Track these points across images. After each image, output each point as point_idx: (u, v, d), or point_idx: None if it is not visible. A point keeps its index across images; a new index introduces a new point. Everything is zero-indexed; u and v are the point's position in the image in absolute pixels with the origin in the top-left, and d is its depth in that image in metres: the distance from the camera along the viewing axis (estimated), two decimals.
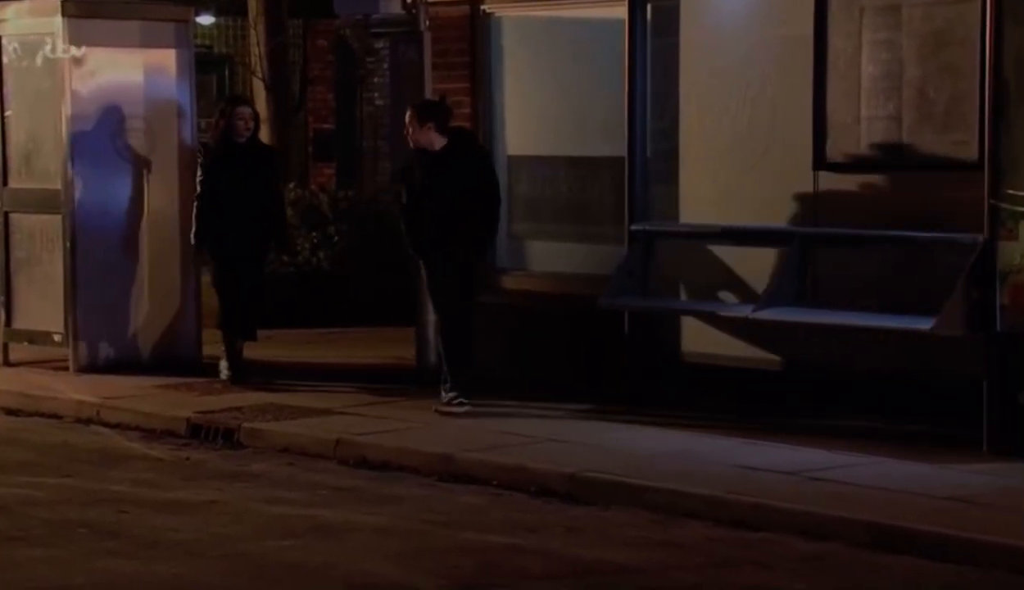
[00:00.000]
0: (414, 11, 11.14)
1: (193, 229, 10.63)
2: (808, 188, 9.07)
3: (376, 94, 17.13)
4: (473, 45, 11.37)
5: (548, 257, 11.22)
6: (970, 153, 8.35)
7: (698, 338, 9.44)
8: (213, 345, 12.08)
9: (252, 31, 15.13)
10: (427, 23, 11.08)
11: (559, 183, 11.03)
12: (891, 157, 8.79)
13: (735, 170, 9.35)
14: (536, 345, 10.77)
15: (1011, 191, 7.99)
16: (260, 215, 10.52)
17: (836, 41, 8.95)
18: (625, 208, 9.87)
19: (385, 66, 16.53)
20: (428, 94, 11.13)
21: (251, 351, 10.99)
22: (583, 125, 9.45)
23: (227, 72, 17.63)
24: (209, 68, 16.89)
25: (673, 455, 8.21)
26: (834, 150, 9.00)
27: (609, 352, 9.65)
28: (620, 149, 9.89)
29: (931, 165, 8.61)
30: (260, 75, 14.82)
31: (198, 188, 10.58)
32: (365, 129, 17.54)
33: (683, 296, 9.47)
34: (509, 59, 11.37)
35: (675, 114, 9.77)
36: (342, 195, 14.32)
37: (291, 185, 14.57)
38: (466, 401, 9.39)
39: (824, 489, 7.48)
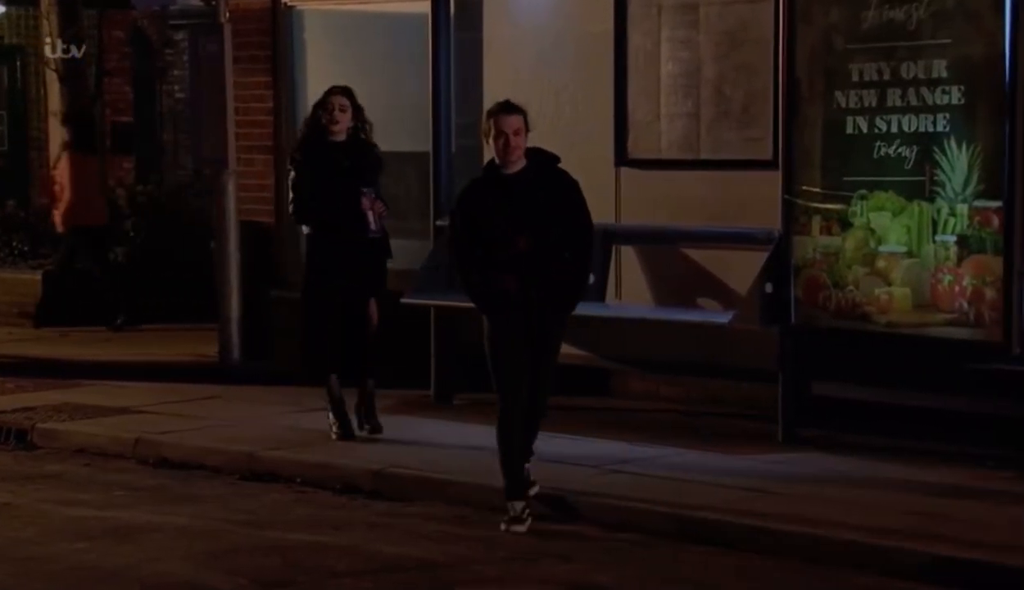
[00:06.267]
0: (213, 2, 10.97)
1: (304, 258, 8.59)
2: (610, 184, 9.18)
3: (176, 87, 16.84)
4: (274, 38, 11.25)
5: None
6: (765, 150, 8.54)
7: None
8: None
9: (44, 21, 14.72)
10: (227, 15, 10.94)
11: None
12: (690, 154, 8.95)
13: None
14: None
15: (805, 187, 8.20)
16: (362, 230, 8.42)
17: (636, 38, 9.07)
18: (430, 203, 9.86)
19: (185, 58, 16.25)
20: (229, 87, 10.99)
21: (44, 349, 10.70)
22: (387, 120, 9.39)
23: (19, 63, 17.11)
24: None
25: (477, 449, 8.22)
26: (635, 147, 9.13)
27: (415, 347, 9.63)
28: (425, 144, 9.88)
29: (728, 162, 8.78)
30: (53, 66, 14.43)
31: (290, 208, 8.60)
32: (165, 122, 17.23)
33: (461, 286, 9.50)
34: (312, 53, 11.27)
35: (480, 109, 9.78)
36: (140, 189, 14.05)
37: None
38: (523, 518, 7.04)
39: (625, 481, 7.58)
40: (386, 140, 10.65)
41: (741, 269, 8.52)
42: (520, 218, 6.95)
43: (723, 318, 8.39)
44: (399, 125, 9.89)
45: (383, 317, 8.65)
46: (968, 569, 6.19)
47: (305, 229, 8.64)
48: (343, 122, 8.48)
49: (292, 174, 8.60)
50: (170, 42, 16.67)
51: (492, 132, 7.02)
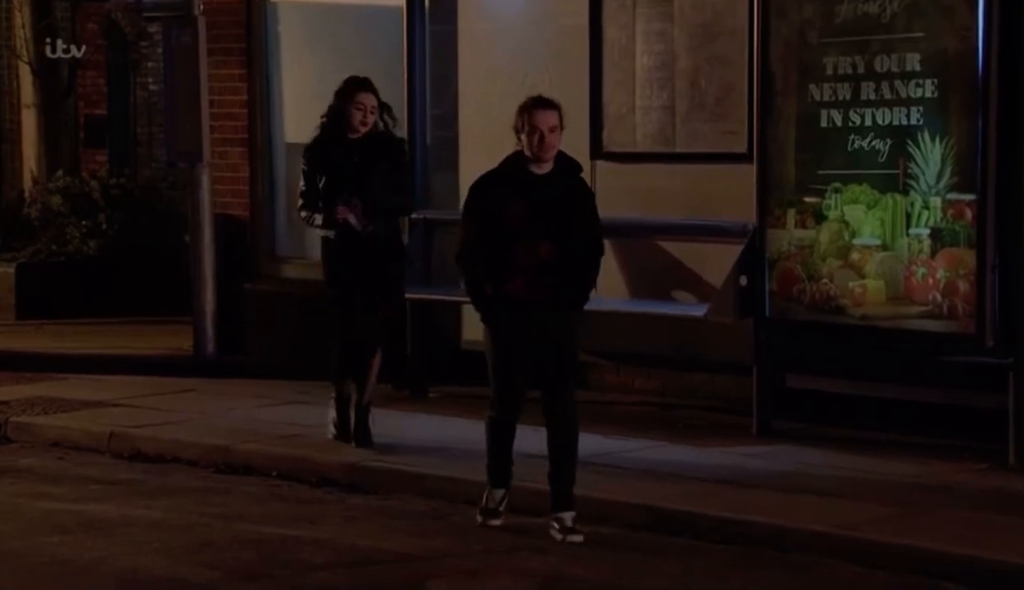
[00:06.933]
0: None
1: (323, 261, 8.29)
2: (586, 177, 9.12)
3: (150, 79, 16.76)
4: (249, 30, 11.22)
5: None
6: (740, 142, 8.56)
7: (478, 326, 9.46)
8: None
9: (17, 12, 14.66)
10: (201, 7, 10.91)
11: None
12: (665, 147, 8.96)
13: None
14: (317, 333, 10.68)
15: (779, 180, 8.21)
16: (382, 230, 8.12)
17: (611, 32, 9.08)
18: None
19: (159, 50, 16.17)
20: (203, 80, 10.95)
21: (19, 341, 10.64)
22: None
23: None
24: None
25: (454, 442, 8.23)
26: (610, 139, 9.14)
27: (391, 340, 9.61)
28: (400, 136, 9.85)
29: (703, 155, 8.79)
30: (26, 58, 14.37)
31: (299, 204, 8.26)
32: (139, 115, 17.15)
33: (463, 284, 9.51)
34: (286, 45, 11.24)
35: (454, 102, 9.79)
36: (114, 182, 14.01)
37: (59, 173, 14.19)
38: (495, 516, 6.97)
39: (601, 474, 7.58)
40: None
41: (716, 262, 8.53)
42: (544, 222, 6.65)
43: (698, 311, 8.41)
44: None
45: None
46: (945, 562, 6.22)
47: (320, 232, 8.31)
48: (371, 123, 8.10)
49: (302, 183, 8.23)
50: (144, 34, 16.59)
51: (525, 128, 6.64)
